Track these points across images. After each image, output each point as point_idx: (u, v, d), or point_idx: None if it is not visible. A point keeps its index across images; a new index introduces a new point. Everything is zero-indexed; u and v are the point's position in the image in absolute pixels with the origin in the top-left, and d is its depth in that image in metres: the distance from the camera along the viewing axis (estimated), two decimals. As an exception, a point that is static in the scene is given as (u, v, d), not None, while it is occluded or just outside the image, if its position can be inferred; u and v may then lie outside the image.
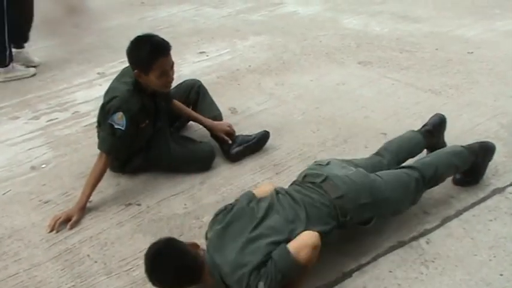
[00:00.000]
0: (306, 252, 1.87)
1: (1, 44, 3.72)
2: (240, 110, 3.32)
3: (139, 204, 2.53)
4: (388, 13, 4.91)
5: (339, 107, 3.32)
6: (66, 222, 2.41)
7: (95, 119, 2.73)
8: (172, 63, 2.49)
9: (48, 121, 3.33)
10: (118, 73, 2.69)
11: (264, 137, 2.91)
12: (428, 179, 2.25)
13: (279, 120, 3.19)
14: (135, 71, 2.45)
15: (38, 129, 3.25)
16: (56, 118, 3.36)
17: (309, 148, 2.91)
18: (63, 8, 5.38)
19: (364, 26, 4.64)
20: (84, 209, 2.47)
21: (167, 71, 2.46)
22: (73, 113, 3.40)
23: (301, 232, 1.93)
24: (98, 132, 2.66)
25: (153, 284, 1.88)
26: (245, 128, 3.04)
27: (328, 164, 2.20)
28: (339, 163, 2.22)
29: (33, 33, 4.75)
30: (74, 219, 2.42)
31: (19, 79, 3.86)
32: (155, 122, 2.66)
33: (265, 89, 3.60)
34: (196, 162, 2.73)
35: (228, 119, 3.10)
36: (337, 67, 3.88)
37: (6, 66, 3.82)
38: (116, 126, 2.46)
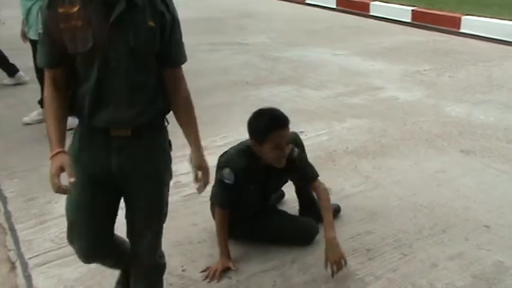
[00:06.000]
0: None
1: None
2: (334, 191, 3.32)
3: (229, 278, 2.56)
4: (494, 102, 4.77)
5: (438, 195, 3.22)
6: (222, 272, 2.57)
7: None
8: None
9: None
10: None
11: (335, 211, 2.90)
12: None
13: (374, 204, 3.15)
14: (251, 140, 2.58)
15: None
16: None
17: (405, 235, 2.83)
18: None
19: (467, 114, 4.53)
20: (230, 256, 2.63)
21: (281, 144, 2.49)
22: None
23: None
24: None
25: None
26: (339, 209, 3.04)
27: None
28: None
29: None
30: (229, 265, 2.60)
31: None
32: (264, 195, 2.78)
33: (361, 171, 3.59)
34: (299, 232, 2.78)
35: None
36: (438, 154, 3.80)
37: None
38: (226, 181, 2.60)
